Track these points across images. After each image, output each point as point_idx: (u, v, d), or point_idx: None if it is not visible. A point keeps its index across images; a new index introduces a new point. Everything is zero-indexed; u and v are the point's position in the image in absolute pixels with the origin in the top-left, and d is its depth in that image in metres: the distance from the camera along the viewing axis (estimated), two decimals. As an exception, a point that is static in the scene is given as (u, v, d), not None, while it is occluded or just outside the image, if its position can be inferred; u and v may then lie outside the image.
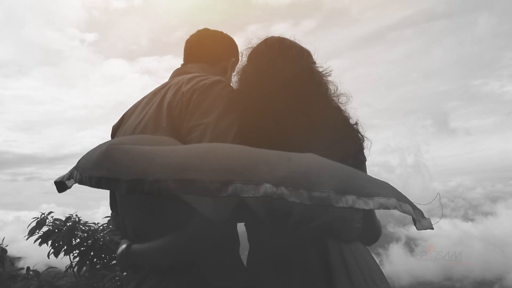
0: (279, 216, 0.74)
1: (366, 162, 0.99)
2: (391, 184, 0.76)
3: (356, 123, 0.98)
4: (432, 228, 0.74)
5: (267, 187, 0.64)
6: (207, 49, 1.21)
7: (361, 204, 0.67)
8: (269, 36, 1.03)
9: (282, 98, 0.90)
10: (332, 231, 0.89)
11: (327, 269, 0.84)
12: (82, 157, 0.74)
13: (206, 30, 1.27)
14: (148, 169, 0.65)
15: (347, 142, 0.94)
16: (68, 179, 0.77)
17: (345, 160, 0.80)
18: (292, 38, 1.02)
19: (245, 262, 1.00)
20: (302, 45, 1.02)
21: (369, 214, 1.04)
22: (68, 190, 0.81)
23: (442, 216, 0.80)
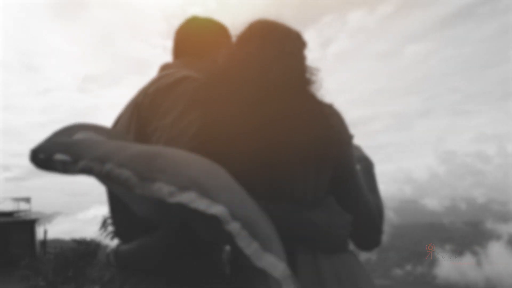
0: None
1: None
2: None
3: (334, 113, 0.89)
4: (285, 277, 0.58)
5: (108, 166, 0.61)
6: (192, 42, 1.12)
7: (199, 204, 0.57)
8: (254, 20, 0.95)
9: (250, 89, 0.83)
10: (305, 242, 0.82)
11: None
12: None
13: (193, 19, 1.15)
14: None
15: (323, 138, 0.82)
16: None
17: (323, 162, 0.81)
18: (282, 20, 0.94)
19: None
20: (290, 27, 0.93)
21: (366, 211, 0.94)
22: None
23: None
